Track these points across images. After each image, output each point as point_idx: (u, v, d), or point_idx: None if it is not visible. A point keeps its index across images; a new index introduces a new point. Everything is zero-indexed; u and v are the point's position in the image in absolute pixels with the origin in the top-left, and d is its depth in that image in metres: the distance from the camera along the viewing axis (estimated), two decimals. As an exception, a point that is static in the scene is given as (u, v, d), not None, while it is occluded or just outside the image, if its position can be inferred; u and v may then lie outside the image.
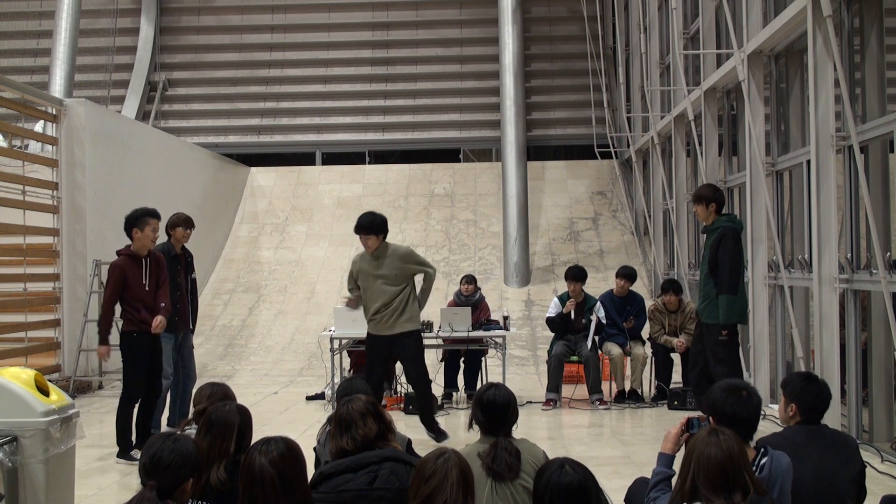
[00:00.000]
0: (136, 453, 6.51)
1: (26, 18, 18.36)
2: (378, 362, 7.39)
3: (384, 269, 7.12)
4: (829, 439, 3.77)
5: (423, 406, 7.40)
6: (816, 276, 7.14)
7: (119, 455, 6.72)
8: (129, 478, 6.20)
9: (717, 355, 7.20)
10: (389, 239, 7.29)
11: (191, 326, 7.73)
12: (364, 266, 7.23)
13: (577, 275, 9.03)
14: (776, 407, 5.48)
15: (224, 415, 3.66)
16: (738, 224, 7.44)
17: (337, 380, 8.63)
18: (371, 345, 7.32)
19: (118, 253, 6.92)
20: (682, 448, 3.39)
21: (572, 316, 8.99)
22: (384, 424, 3.59)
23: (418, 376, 7.35)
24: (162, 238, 7.23)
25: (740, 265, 7.32)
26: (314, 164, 18.06)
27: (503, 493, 3.53)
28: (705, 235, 7.51)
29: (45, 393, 4.36)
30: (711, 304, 7.24)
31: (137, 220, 6.81)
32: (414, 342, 7.27)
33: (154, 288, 6.89)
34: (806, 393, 3.79)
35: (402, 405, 8.69)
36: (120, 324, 6.95)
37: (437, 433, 7.25)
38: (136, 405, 6.85)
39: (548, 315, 9.21)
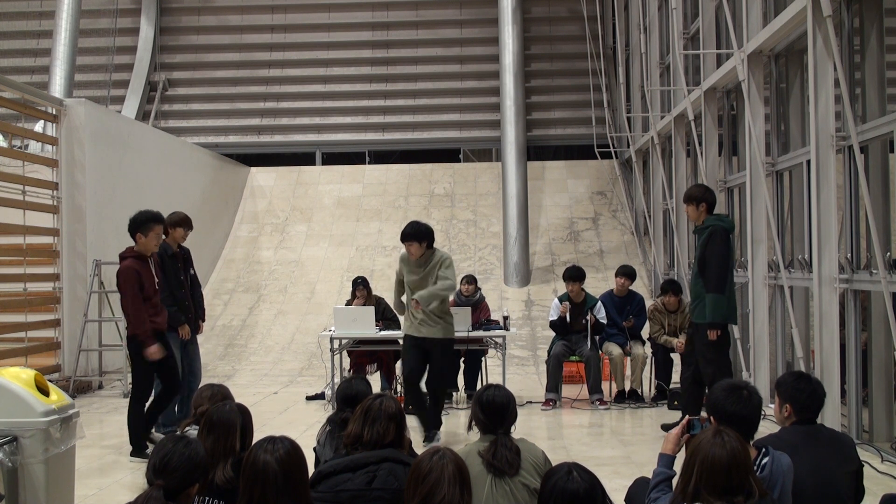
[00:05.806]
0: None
1: (26, 18, 18.35)
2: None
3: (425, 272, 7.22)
4: (825, 439, 3.77)
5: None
6: (816, 276, 7.14)
7: (133, 454, 6.67)
8: (129, 478, 6.20)
9: (706, 356, 7.09)
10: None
11: (199, 323, 7.73)
12: (406, 267, 7.34)
13: (573, 275, 9.03)
14: (776, 407, 5.47)
15: (225, 414, 3.68)
16: (727, 223, 7.33)
17: (337, 380, 8.62)
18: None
19: (123, 256, 6.78)
20: (683, 449, 3.39)
21: (568, 319, 8.98)
22: (400, 438, 3.63)
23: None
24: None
25: (728, 264, 7.22)
26: (314, 164, 18.05)
27: (503, 490, 3.54)
28: (696, 235, 7.48)
29: (45, 393, 4.37)
30: (702, 304, 7.11)
31: (142, 225, 6.71)
32: (439, 348, 7.27)
33: (159, 288, 6.85)
34: (799, 392, 3.79)
35: (401, 405, 8.67)
36: (122, 325, 6.91)
37: (429, 429, 7.16)
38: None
39: (549, 318, 9.23)
